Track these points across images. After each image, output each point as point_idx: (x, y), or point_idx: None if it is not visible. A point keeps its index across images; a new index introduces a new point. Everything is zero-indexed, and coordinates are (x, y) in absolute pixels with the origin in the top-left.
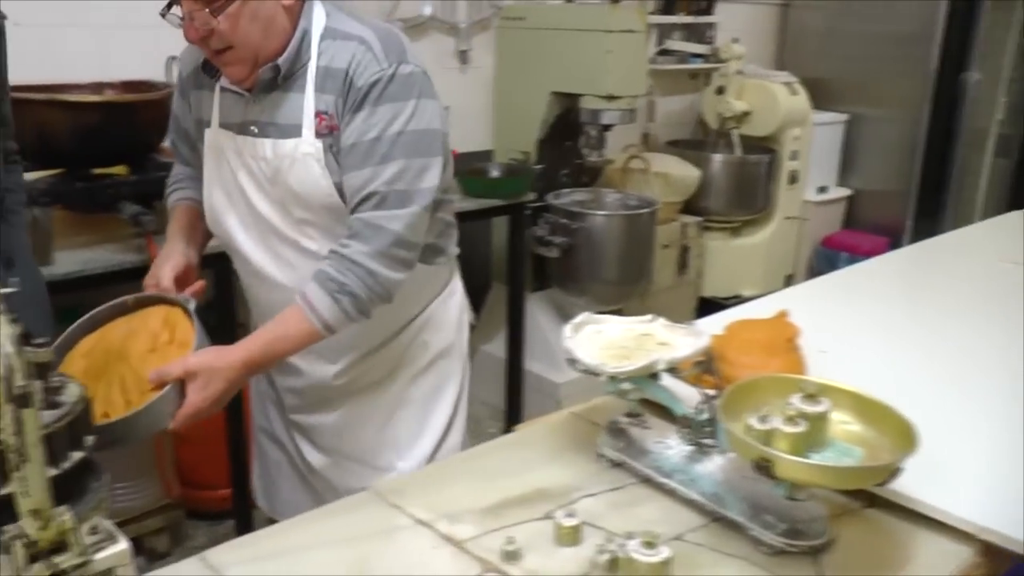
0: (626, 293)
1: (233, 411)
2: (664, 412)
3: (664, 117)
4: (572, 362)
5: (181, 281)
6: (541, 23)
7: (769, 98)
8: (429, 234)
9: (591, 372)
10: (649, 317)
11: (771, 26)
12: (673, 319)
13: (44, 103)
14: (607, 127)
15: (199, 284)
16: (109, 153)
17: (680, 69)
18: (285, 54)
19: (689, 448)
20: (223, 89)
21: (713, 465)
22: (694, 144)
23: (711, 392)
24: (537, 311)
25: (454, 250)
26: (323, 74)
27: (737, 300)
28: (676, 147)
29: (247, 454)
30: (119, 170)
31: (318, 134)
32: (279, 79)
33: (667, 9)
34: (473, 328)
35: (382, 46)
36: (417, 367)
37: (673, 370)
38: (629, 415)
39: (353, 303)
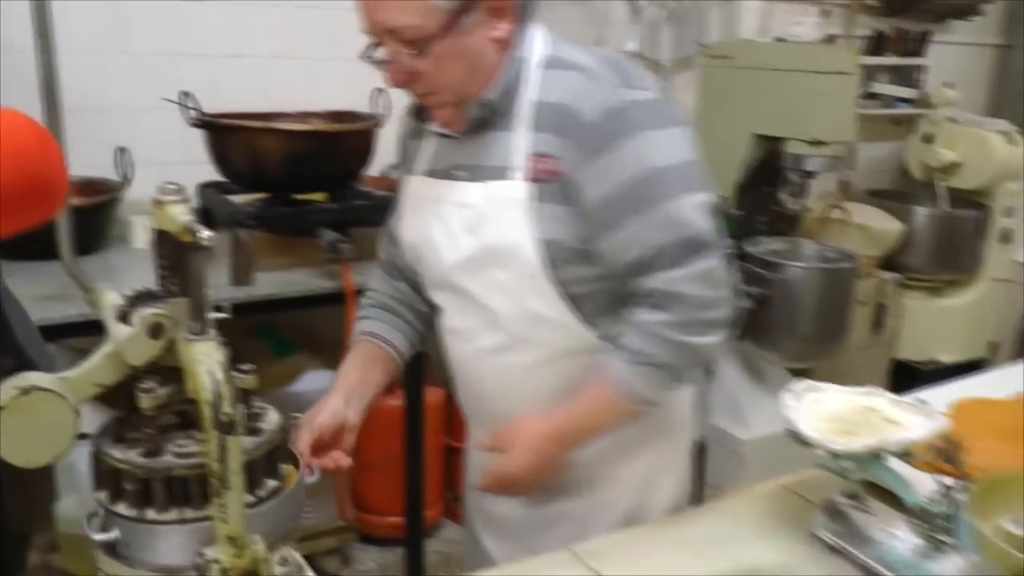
0: (820, 352)
1: (412, 439)
2: (884, 495)
3: (864, 164)
4: (793, 434)
5: (322, 444)
6: (748, 62)
7: (983, 148)
8: None
9: (812, 446)
10: (869, 389)
11: (986, 69)
12: (865, 382)
13: (259, 131)
14: (810, 174)
15: (336, 460)
16: (312, 180)
17: (884, 114)
18: (497, 88)
19: (920, 542)
20: (435, 134)
21: (950, 565)
22: (896, 195)
23: (950, 482)
24: (725, 363)
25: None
26: (539, 109)
27: (933, 365)
28: (876, 197)
29: (422, 482)
30: (318, 196)
31: (533, 178)
32: (492, 116)
33: (875, 50)
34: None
35: (609, 72)
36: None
37: (905, 453)
38: (847, 495)
39: (662, 373)
